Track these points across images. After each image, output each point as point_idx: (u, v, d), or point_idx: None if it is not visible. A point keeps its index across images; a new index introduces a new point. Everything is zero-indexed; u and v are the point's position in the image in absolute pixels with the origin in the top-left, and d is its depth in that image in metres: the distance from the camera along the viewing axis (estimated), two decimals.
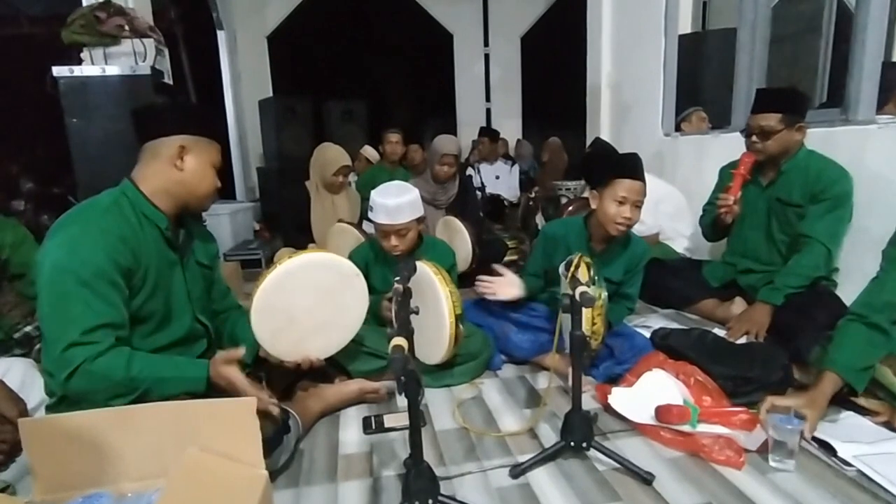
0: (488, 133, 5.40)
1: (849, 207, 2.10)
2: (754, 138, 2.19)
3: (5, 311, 1.97)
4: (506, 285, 1.98)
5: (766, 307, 2.11)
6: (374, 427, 1.61)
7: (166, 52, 3.13)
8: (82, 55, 2.81)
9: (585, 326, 1.51)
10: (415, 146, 5.02)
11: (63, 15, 2.80)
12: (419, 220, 2.03)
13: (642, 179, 1.84)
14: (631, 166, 1.85)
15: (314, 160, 3.23)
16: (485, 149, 5.27)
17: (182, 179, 1.37)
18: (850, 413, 1.56)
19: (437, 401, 1.78)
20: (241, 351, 1.36)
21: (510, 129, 6.68)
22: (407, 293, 1.23)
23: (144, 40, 2.85)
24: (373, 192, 1.98)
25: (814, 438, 1.42)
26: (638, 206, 1.84)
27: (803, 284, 2.07)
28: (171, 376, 1.28)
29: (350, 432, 1.60)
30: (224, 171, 1.50)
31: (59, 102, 2.65)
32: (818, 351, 1.66)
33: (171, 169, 1.36)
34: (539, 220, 3.91)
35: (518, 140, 6.52)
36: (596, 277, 1.71)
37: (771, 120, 2.13)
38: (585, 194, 3.31)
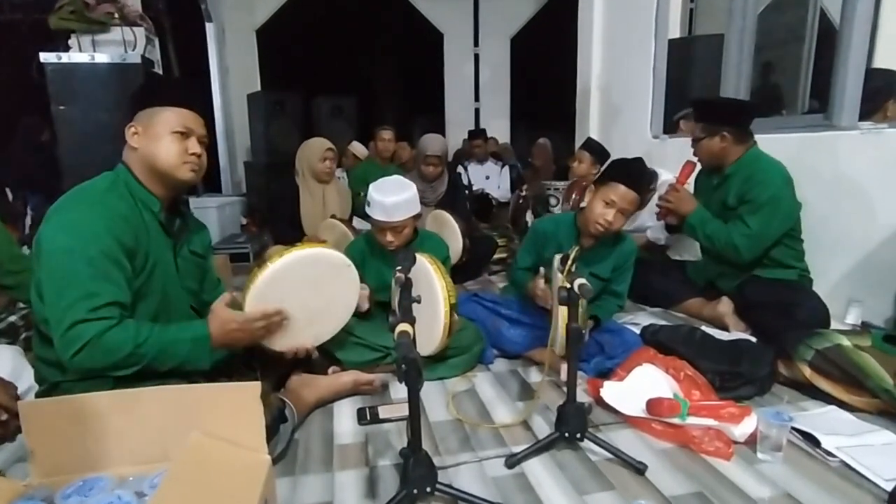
0: (481, 134, 5.37)
1: (778, 211, 2.12)
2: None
3: None
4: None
5: (693, 209, 2.30)
6: (368, 418, 1.61)
7: (156, 41, 3.09)
8: (70, 42, 2.75)
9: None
10: (403, 143, 5.01)
11: (51, 0, 2.74)
12: (415, 217, 2.02)
13: (637, 190, 1.86)
14: (630, 174, 1.87)
15: (300, 154, 3.20)
16: (480, 151, 5.23)
17: (141, 156, 1.35)
18: (833, 407, 1.62)
19: (430, 393, 1.79)
20: (227, 295, 1.43)
21: (498, 129, 6.70)
22: (408, 283, 1.24)
23: (135, 28, 2.81)
24: (371, 188, 1.95)
25: (798, 430, 1.46)
26: (623, 212, 1.85)
27: (705, 235, 2.27)
28: (175, 338, 1.28)
29: (344, 423, 1.61)
30: (210, 163, 1.49)
31: (46, 89, 2.61)
32: (802, 349, 1.71)
33: (132, 151, 1.37)
34: (529, 217, 3.94)
35: (503, 144, 6.52)
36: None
37: (694, 129, 2.28)
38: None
